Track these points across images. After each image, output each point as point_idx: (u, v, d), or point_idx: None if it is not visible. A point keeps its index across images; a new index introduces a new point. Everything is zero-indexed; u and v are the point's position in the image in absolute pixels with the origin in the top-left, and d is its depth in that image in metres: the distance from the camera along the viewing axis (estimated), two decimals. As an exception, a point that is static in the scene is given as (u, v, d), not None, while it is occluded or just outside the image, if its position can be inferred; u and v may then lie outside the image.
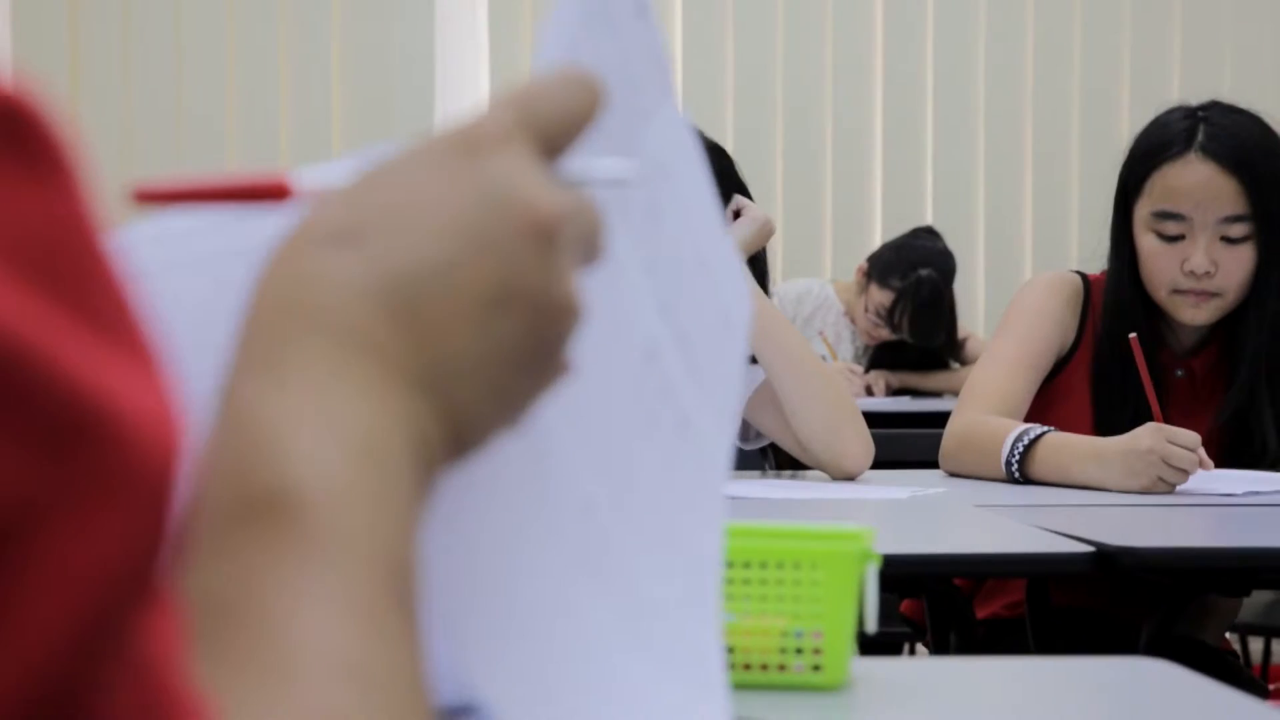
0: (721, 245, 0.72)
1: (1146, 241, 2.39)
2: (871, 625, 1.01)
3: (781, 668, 1.01)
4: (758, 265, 2.36)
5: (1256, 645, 4.18)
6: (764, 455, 2.62)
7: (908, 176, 5.61)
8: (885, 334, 4.67)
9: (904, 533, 1.83)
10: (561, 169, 0.56)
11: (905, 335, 4.62)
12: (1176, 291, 2.37)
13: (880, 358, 4.75)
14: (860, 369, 4.70)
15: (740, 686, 0.92)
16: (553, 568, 0.61)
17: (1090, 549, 1.66)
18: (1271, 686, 4.33)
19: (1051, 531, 1.76)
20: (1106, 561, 1.65)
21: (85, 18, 5.22)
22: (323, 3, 5.35)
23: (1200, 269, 2.33)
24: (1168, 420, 2.23)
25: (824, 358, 4.68)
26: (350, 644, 0.44)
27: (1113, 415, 2.38)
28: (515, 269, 0.51)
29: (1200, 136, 2.35)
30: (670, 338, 0.68)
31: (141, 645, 0.35)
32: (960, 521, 1.97)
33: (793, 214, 5.53)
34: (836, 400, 2.26)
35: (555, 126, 0.54)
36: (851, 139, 5.59)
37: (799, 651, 1.01)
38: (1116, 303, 2.42)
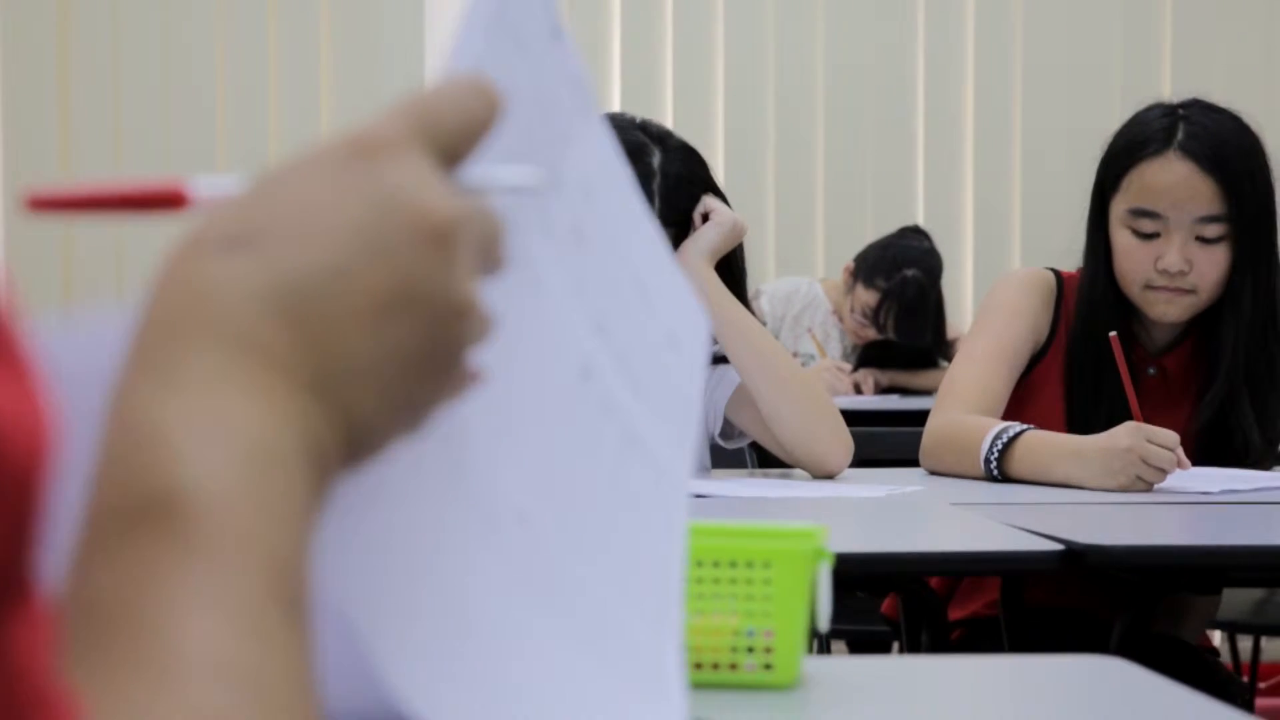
0: (662, 264, 0.72)
1: (1122, 238, 2.38)
2: (824, 624, 1.01)
3: (733, 667, 1.01)
4: (733, 266, 2.33)
5: (1245, 644, 4.17)
6: (747, 453, 2.62)
7: (899, 175, 5.61)
8: (872, 333, 4.66)
9: (876, 531, 1.83)
10: (463, 176, 0.56)
11: (890, 335, 4.61)
12: (1150, 288, 2.37)
13: (868, 356, 4.75)
14: (848, 367, 4.70)
15: (691, 685, 0.92)
16: (480, 576, 0.61)
17: (1059, 547, 1.66)
18: (1261, 685, 4.33)
19: (1023, 530, 1.76)
20: (1075, 559, 1.65)
21: (74, 16, 5.22)
22: (312, 1, 5.35)
23: (1174, 268, 2.33)
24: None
25: (812, 356, 4.68)
26: (233, 646, 0.44)
27: (1087, 412, 2.38)
28: (410, 273, 0.51)
29: (1180, 135, 2.34)
30: (607, 357, 0.68)
31: (7, 644, 0.36)
32: (934, 520, 1.97)
33: (785, 212, 5.53)
34: (812, 401, 2.25)
35: (452, 133, 0.55)
36: (843, 137, 5.58)
37: (750, 650, 1.01)
38: (1091, 300, 2.42)
